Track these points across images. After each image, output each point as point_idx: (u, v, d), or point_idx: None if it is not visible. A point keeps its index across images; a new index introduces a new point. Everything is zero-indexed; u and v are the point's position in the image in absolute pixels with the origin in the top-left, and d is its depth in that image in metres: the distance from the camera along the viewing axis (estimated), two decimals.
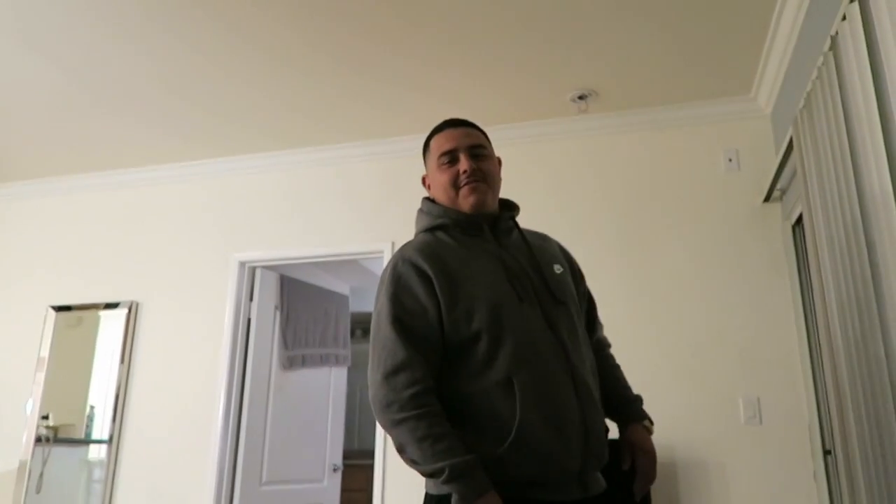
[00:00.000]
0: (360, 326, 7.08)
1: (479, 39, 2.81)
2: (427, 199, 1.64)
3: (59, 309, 4.00)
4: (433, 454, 1.30)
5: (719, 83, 3.13)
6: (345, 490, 4.84)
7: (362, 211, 3.70)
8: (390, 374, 1.37)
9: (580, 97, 3.23)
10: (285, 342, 3.98)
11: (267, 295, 3.92)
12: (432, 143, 1.63)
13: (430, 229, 1.56)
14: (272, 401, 3.83)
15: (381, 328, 1.43)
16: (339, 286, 4.84)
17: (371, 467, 3.43)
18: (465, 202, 1.54)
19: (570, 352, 1.43)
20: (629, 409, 1.62)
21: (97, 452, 3.68)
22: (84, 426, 3.75)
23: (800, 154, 2.25)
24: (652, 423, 1.61)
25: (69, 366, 3.89)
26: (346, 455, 5.70)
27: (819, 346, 2.74)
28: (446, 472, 1.27)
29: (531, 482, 1.35)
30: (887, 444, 1.55)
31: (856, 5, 1.68)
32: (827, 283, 1.98)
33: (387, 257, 3.56)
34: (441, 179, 1.57)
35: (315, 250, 3.72)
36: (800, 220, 2.84)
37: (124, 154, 3.92)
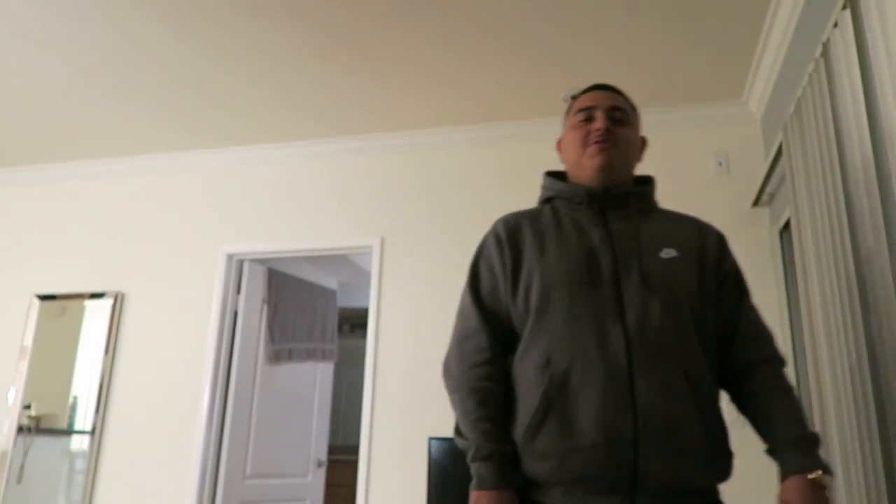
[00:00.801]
0: (348, 322, 7.06)
1: (474, 35, 2.81)
2: (547, 173, 1.52)
3: (43, 298, 3.96)
4: (472, 430, 1.31)
5: (711, 87, 3.14)
6: (329, 485, 4.84)
7: (352, 206, 3.69)
8: (462, 340, 1.40)
9: (573, 97, 3.22)
10: (272, 336, 3.96)
11: (254, 288, 3.90)
12: (574, 104, 1.52)
13: (543, 202, 1.50)
14: (257, 394, 3.82)
15: (463, 294, 1.46)
16: (328, 281, 4.83)
17: (355, 463, 3.44)
18: (590, 162, 1.41)
19: (637, 347, 1.25)
20: (787, 452, 1.24)
21: (80, 443, 3.66)
22: (67, 417, 3.72)
23: (788, 159, 2.26)
24: (828, 472, 1.20)
25: (53, 355, 3.85)
26: (331, 450, 5.70)
27: (803, 352, 2.75)
28: (472, 452, 1.29)
29: (552, 484, 1.25)
30: (867, 451, 1.56)
31: (848, 12, 1.69)
32: (812, 289, 1.99)
33: (376, 253, 3.55)
34: (572, 137, 1.47)
35: (304, 244, 3.70)
36: (787, 225, 2.85)
37: (114, 143, 3.88)
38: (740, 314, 1.38)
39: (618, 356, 1.24)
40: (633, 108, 1.52)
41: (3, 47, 2.93)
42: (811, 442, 1.24)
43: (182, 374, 3.63)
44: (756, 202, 3.05)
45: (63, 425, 3.72)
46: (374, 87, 3.21)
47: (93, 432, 3.63)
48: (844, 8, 1.71)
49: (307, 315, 4.27)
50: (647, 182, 1.49)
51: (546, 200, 1.49)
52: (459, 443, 1.35)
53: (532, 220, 1.45)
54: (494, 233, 1.45)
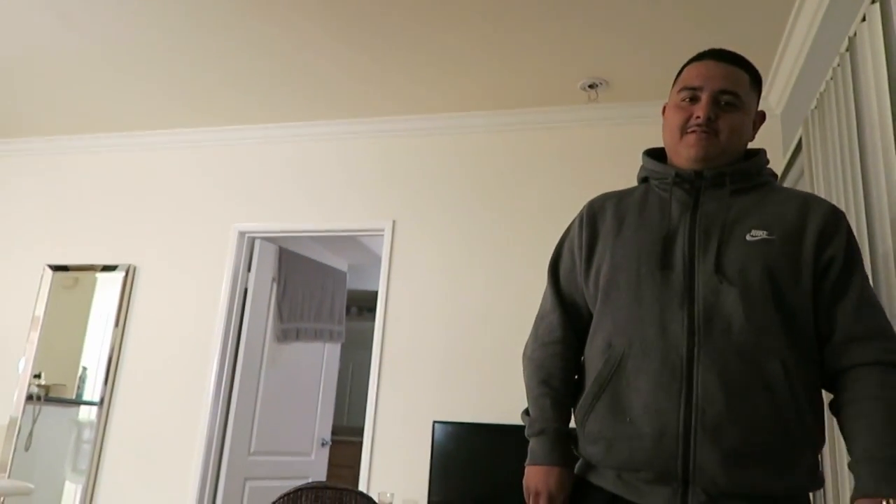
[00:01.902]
0: (356, 304, 7.09)
1: (491, 21, 2.78)
2: (646, 152, 1.43)
3: (55, 269, 3.99)
4: (532, 406, 1.36)
5: None
6: (332, 465, 4.87)
7: (365, 188, 3.68)
8: (538, 320, 1.43)
9: (591, 86, 3.21)
10: (280, 315, 3.98)
11: (265, 266, 3.91)
12: (684, 72, 1.39)
13: (641, 181, 1.43)
14: (264, 372, 3.84)
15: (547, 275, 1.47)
16: (338, 262, 4.85)
17: (359, 444, 3.45)
18: (686, 151, 1.31)
19: (701, 336, 1.18)
20: (862, 471, 1.11)
21: (87, 414, 3.69)
22: (76, 387, 3.76)
23: (808, 155, 2.23)
24: None
25: (63, 326, 3.89)
26: (336, 431, 5.73)
27: None
28: (527, 427, 1.35)
29: (604, 467, 1.25)
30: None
31: (877, 6, 1.66)
32: None
33: (387, 236, 3.55)
34: (672, 118, 1.35)
35: (315, 224, 3.70)
36: None
37: (131, 118, 3.89)
38: (837, 310, 1.20)
39: (678, 345, 1.19)
40: (753, 83, 1.36)
41: (25, 19, 2.94)
42: (892, 463, 1.07)
43: (190, 349, 3.65)
44: None
45: (72, 395, 3.76)
46: (390, 70, 3.19)
47: (101, 403, 3.67)
48: (874, 1, 1.69)
49: (316, 295, 4.29)
50: (752, 156, 1.34)
51: (643, 180, 1.41)
52: (523, 420, 1.38)
53: (619, 200, 1.39)
54: (580, 213, 1.42)
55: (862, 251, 1.68)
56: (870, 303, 1.21)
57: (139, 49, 3.15)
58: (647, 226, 1.31)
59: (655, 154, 1.41)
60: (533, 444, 1.32)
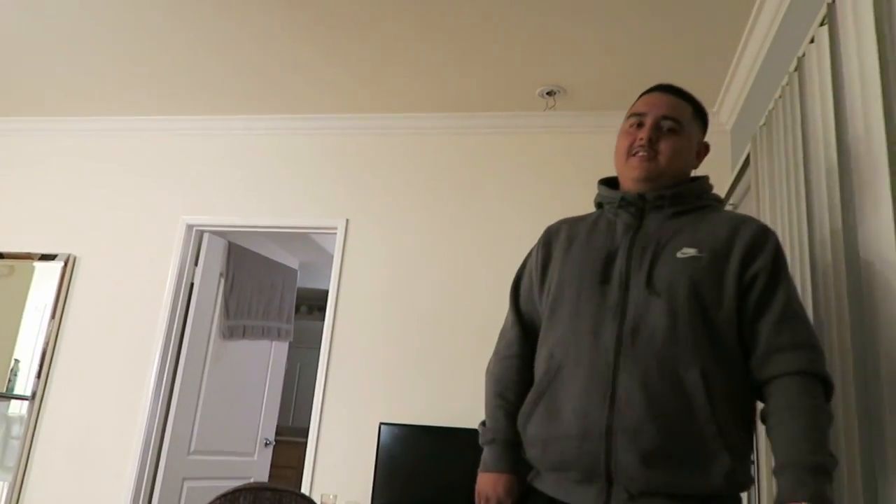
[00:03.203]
0: (306, 303, 7.00)
1: (450, 24, 2.78)
2: (601, 181, 1.54)
3: None
4: (487, 416, 1.46)
5: None
6: (275, 466, 4.78)
7: (319, 186, 3.63)
8: (500, 336, 1.54)
9: (549, 93, 3.24)
10: (227, 311, 3.89)
11: (213, 261, 3.82)
12: (635, 103, 1.51)
13: (597, 206, 1.53)
14: (208, 369, 3.75)
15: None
16: (289, 260, 4.77)
17: (304, 445, 3.40)
18: (630, 173, 1.42)
19: (626, 345, 1.26)
20: (780, 477, 1.16)
21: (18, 408, 3.54)
22: (7, 380, 3.60)
23: (755, 171, 2.29)
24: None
25: None
26: (281, 431, 5.65)
27: None
28: (481, 436, 1.45)
29: (542, 469, 1.34)
30: None
31: (825, 29, 1.71)
32: None
33: (340, 234, 3.51)
34: (620, 144, 1.47)
35: (267, 220, 3.63)
36: None
37: (78, 102, 3.75)
38: (761, 323, 1.27)
39: (606, 353, 1.26)
40: (695, 113, 1.47)
41: None
42: (809, 469, 1.12)
43: (131, 343, 3.54)
44: None
45: (2, 389, 3.59)
46: (346, 68, 3.16)
47: (32, 397, 3.52)
48: (822, 24, 1.74)
49: (265, 292, 4.21)
50: (689, 182, 1.44)
51: (599, 205, 1.53)
52: (480, 429, 1.47)
53: (574, 223, 1.50)
54: (540, 237, 1.55)
55: (802, 265, 1.73)
56: (793, 315, 1.27)
57: (85, 32, 3.04)
58: (594, 245, 1.41)
59: (610, 182, 1.53)
60: (485, 453, 1.42)
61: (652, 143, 1.40)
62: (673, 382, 1.21)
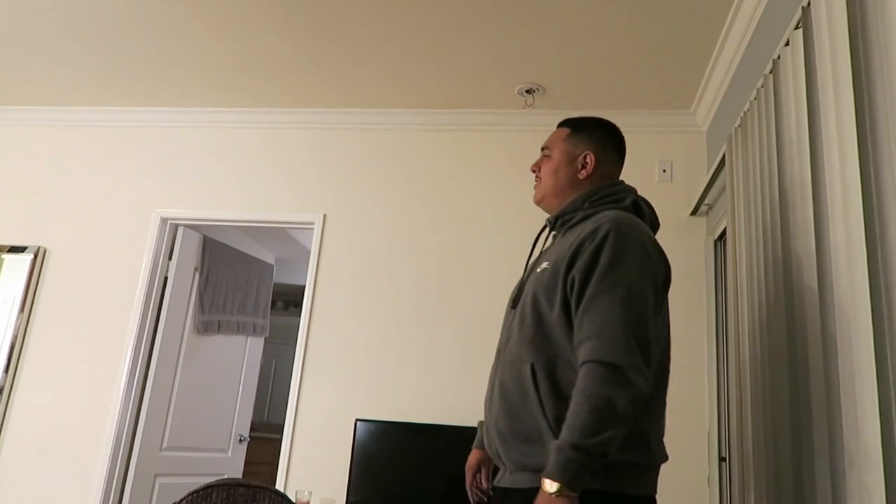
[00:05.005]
0: (282, 298, 6.95)
1: (429, 21, 2.77)
2: None
3: None
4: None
5: (662, 95, 3.21)
6: (249, 462, 4.75)
7: (296, 180, 3.61)
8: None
9: (527, 91, 3.24)
10: (202, 305, 3.85)
11: (187, 255, 3.78)
12: None
13: None
14: (182, 364, 3.70)
15: None
16: (265, 254, 4.73)
17: (279, 442, 3.37)
18: None
19: (501, 355, 1.56)
20: None
21: None
22: None
23: (730, 171, 2.32)
24: (560, 481, 1.23)
25: None
26: (255, 427, 5.60)
27: (726, 359, 2.85)
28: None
29: None
30: (781, 456, 1.62)
31: (800, 32, 1.74)
32: (742, 299, 2.06)
33: (317, 229, 3.49)
34: None
35: (243, 214, 3.60)
36: (723, 235, 2.94)
37: (50, 91, 3.68)
38: (576, 320, 1.40)
39: (495, 364, 1.59)
40: (574, 132, 1.69)
41: None
42: (558, 448, 1.27)
43: (103, 338, 3.48)
44: (695, 211, 3.13)
45: None
46: (325, 61, 3.14)
47: (0, 392, 3.45)
48: (797, 27, 1.76)
49: (241, 287, 4.17)
50: (582, 200, 1.61)
51: None
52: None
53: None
54: None
55: (776, 265, 1.76)
56: (590, 308, 1.38)
57: (58, 19, 2.98)
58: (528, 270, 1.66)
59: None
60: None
61: (535, 172, 1.72)
62: (515, 377, 1.46)
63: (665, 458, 1.43)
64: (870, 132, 1.35)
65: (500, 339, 1.62)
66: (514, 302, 1.59)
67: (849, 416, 1.30)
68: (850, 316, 1.32)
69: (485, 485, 1.70)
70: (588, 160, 1.64)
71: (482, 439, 1.69)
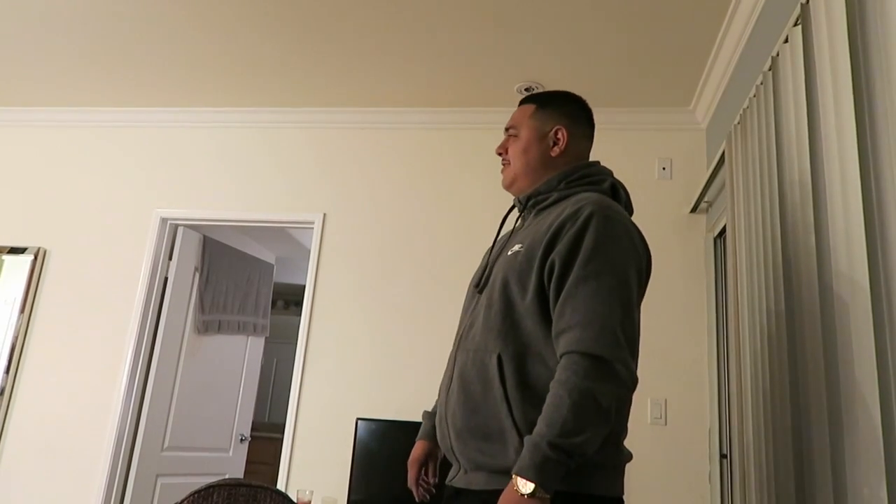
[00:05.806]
0: (283, 297, 6.95)
1: (429, 17, 2.77)
2: None
3: None
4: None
5: (661, 93, 3.20)
6: (251, 462, 4.76)
7: (296, 180, 3.61)
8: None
9: (526, 89, 3.24)
10: (202, 305, 3.85)
11: (187, 255, 3.78)
12: None
13: None
14: (183, 364, 3.70)
15: None
16: (265, 254, 4.73)
17: (280, 441, 3.38)
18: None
19: (462, 342, 1.42)
20: None
21: None
22: None
23: (730, 169, 2.32)
24: (535, 480, 1.14)
25: None
26: (256, 427, 5.61)
27: (727, 356, 2.85)
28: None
29: None
30: (780, 452, 1.62)
31: (798, 29, 1.73)
32: (741, 296, 2.06)
33: (317, 229, 3.49)
34: None
35: (243, 214, 3.60)
36: (723, 232, 2.94)
37: (50, 92, 3.67)
38: (555, 308, 1.29)
39: (453, 351, 1.45)
40: (540, 108, 1.55)
41: None
42: (531, 445, 1.17)
43: (104, 338, 3.48)
44: (694, 209, 3.13)
45: None
46: (325, 60, 3.13)
47: (1, 394, 3.45)
48: (796, 24, 1.76)
49: (241, 287, 4.17)
50: (558, 180, 1.48)
51: None
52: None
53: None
54: None
55: (775, 262, 1.76)
56: (573, 295, 1.26)
57: (57, 21, 2.98)
58: (494, 252, 1.55)
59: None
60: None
61: (502, 155, 1.58)
62: (478, 369, 1.34)
63: (630, 457, 1.33)
64: (869, 128, 1.35)
65: (461, 324, 1.48)
66: (479, 285, 1.45)
67: (849, 414, 1.30)
68: (850, 312, 1.32)
69: (431, 480, 1.58)
70: (560, 135, 1.51)
71: (429, 430, 1.59)
